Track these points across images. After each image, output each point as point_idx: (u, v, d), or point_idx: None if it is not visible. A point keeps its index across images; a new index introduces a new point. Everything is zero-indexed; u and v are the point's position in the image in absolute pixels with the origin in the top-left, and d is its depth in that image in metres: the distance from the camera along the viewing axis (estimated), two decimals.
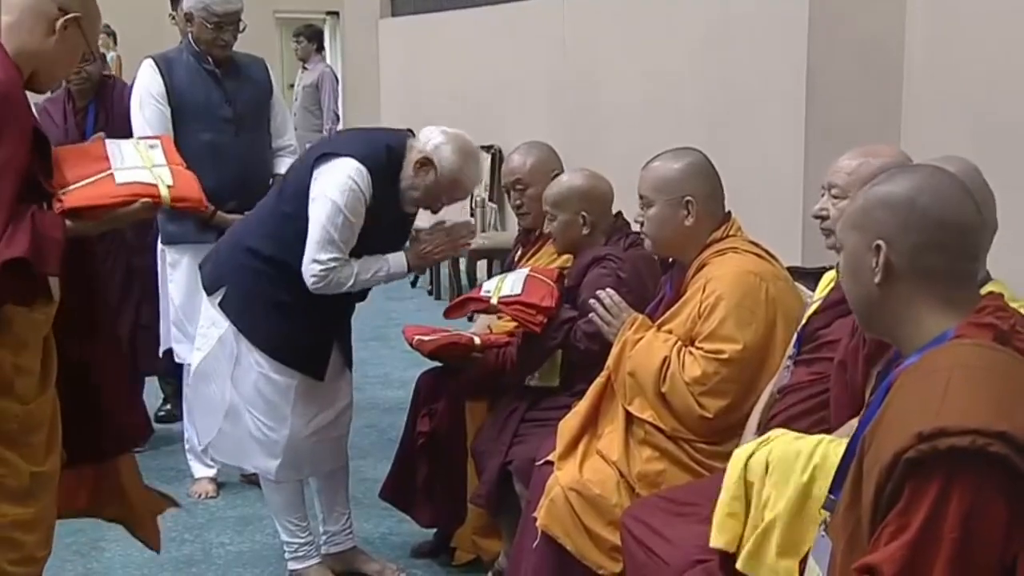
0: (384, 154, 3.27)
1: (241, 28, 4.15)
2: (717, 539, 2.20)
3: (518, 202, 3.64)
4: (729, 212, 2.96)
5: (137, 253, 4.57)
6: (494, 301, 3.27)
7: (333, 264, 3.21)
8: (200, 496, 4.28)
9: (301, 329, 3.34)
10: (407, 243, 3.44)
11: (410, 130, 3.42)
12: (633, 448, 2.82)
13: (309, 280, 3.22)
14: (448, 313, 3.47)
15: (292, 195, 3.31)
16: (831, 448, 2.07)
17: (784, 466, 2.09)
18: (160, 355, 4.50)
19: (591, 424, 2.93)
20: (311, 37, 9.63)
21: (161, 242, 4.28)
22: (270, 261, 3.30)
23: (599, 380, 2.94)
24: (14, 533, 2.34)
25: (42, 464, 2.39)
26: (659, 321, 2.92)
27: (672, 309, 2.90)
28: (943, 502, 1.46)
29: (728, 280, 2.78)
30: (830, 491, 1.83)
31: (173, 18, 5.02)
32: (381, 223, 3.28)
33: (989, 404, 1.49)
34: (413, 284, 8.08)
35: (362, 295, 3.50)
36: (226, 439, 3.47)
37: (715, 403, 2.75)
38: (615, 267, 3.21)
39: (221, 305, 3.37)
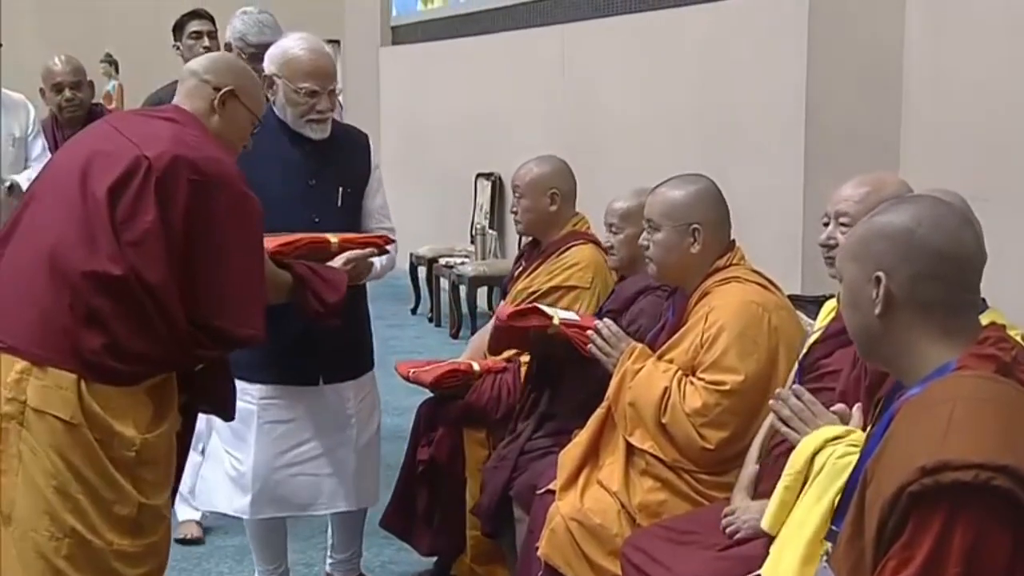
0: None
1: None
2: (767, 520, 2.16)
3: (514, 209, 3.69)
4: (733, 241, 2.95)
5: None
6: (556, 321, 3.15)
7: None
8: (184, 536, 4.07)
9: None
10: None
11: None
12: (634, 478, 2.81)
13: None
14: (510, 317, 3.24)
15: None
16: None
17: (827, 480, 2.04)
18: None
19: (592, 455, 2.91)
20: None
21: None
22: None
23: (599, 412, 2.92)
24: (117, 563, 2.37)
25: (152, 498, 2.43)
26: (660, 350, 2.90)
27: (674, 338, 2.88)
28: (947, 536, 1.45)
29: (731, 310, 2.77)
30: (832, 522, 1.82)
31: (178, 48, 5.02)
32: (273, 174, 3.05)
33: (992, 437, 1.49)
34: (413, 311, 8.07)
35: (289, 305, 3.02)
36: (206, 484, 3.36)
37: (716, 434, 2.73)
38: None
39: None
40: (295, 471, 3.24)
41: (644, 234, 2.93)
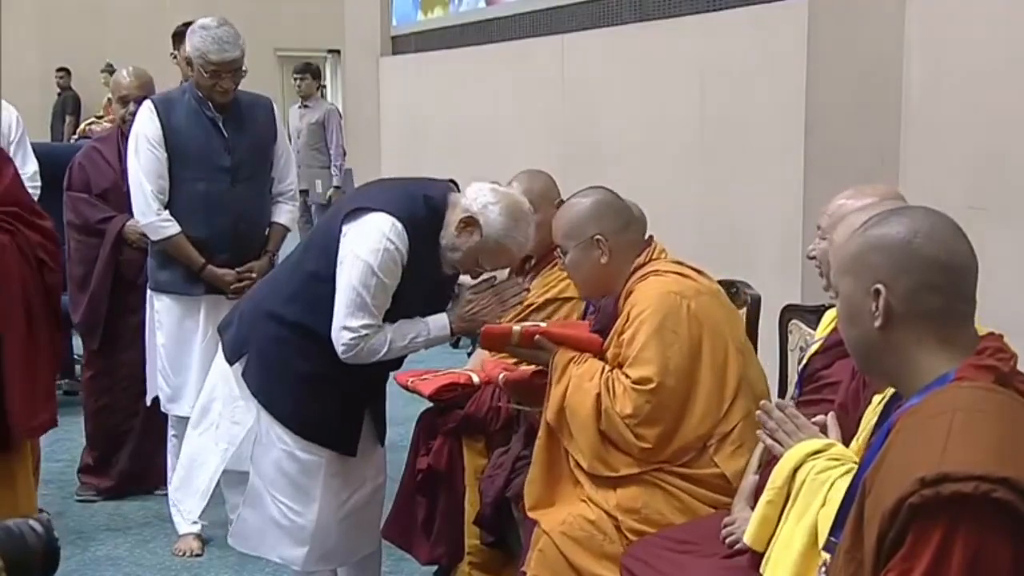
0: (423, 208, 2.98)
1: (243, 73, 4.01)
2: (749, 535, 2.18)
3: None
4: (651, 237, 2.98)
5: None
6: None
7: (365, 332, 2.91)
8: (184, 554, 4.06)
9: (332, 403, 3.05)
10: (449, 304, 3.14)
11: (453, 181, 3.16)
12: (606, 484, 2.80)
13: (339, 349, 2.92)
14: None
15: (319, 253, 3.01)
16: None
17: (808, 496, 2.04)
18: (147, 404, 4.31)
19: (556, 477, 2.89)
20: (315, 75, 9.81)
21: (149, 288, 4.14)
22: (295, 328, 3.02)
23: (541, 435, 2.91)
24: None
25: None
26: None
27: (608, 338, 2.91)
28: (947, 548, 1.45)
29: (649, 303, 2.80)
30: (830, 533, 1.82)
31: (175, 57, 4.99)
32: (419, 283, 3.00)
33: (992, 449, 1.49)
34: None
35: (397, 362, 3.17)
36: (246, 526, 3.17)
37: (651, 431, 2.75)
38: None
39: (244, 375, 3.09)
40: (349, 523, 3.18)
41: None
